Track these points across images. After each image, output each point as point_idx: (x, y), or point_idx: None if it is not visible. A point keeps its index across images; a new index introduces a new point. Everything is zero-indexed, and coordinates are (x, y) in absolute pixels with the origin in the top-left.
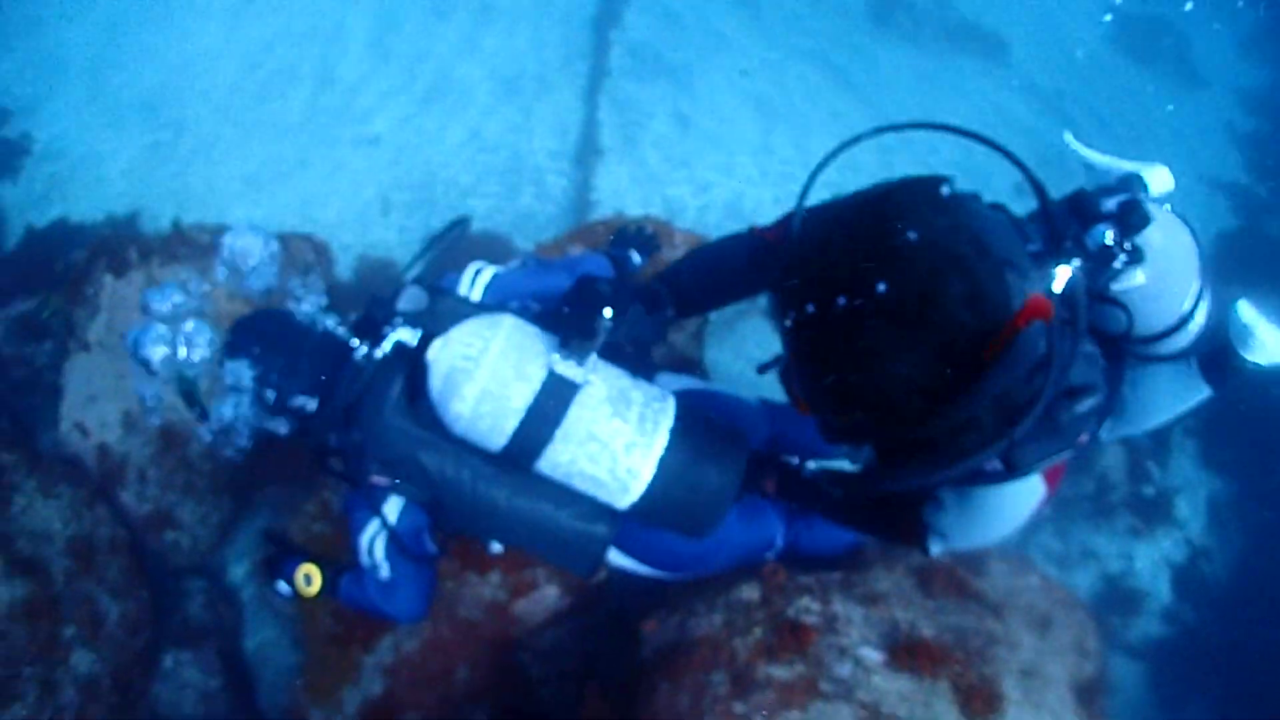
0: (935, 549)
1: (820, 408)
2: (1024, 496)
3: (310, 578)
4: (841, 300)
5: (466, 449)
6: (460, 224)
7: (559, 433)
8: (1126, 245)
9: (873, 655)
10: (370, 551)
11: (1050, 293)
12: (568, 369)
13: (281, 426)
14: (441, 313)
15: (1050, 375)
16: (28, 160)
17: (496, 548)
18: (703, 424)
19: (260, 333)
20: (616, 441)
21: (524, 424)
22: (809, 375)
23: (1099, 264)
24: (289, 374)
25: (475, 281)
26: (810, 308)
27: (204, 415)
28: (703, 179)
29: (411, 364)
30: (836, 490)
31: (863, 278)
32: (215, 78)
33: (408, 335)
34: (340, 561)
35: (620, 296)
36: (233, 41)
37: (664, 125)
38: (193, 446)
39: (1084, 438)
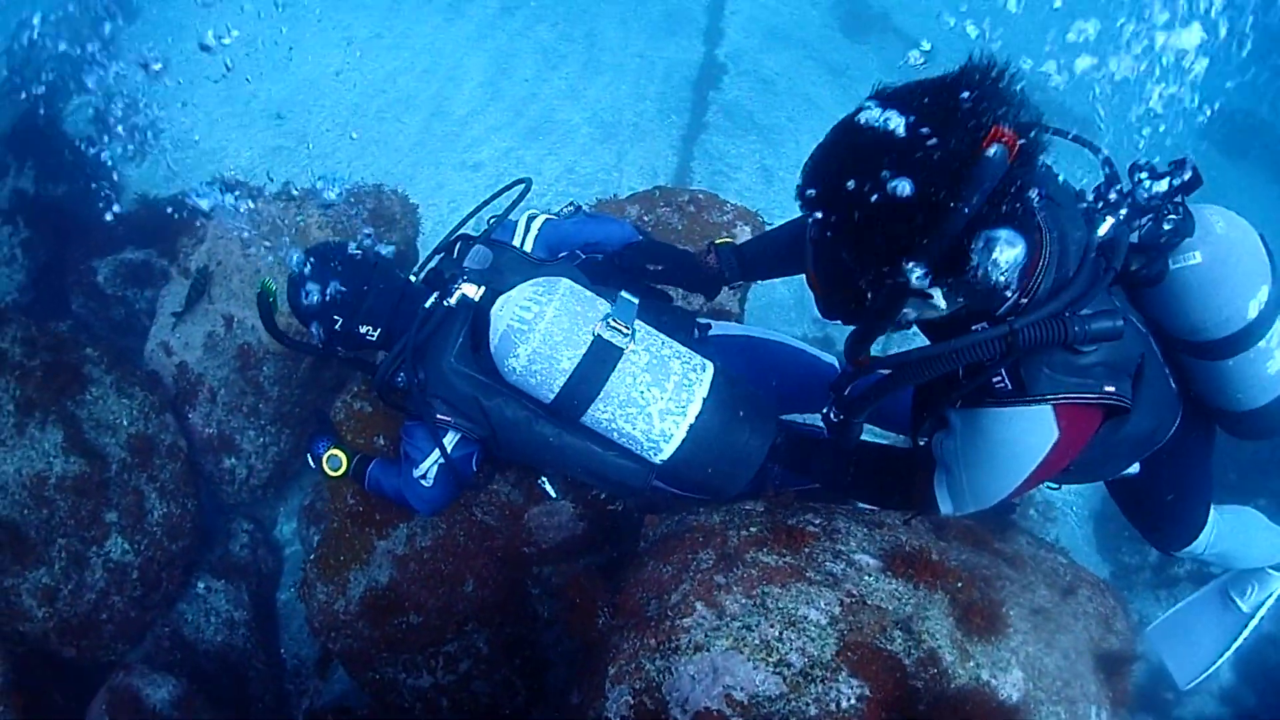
0: (945, 506)
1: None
2: (1032, 430)
3: (337, 460)
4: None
5: (522, 395)
6: (523, 183)
7: (600, 394)
8: (1178, 199)
9: (868, 560)
10: (425, 473)
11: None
12: (614, 336)
13: (346, 349)
14: (503, 267)
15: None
16: (154, 147)
17: (550, 491)
18: (737, 394)
19: (332, 261)
20: (652, 407)
21: (569, 384)
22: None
23: (1149, 216)
24: (355, 304)
25: (530, 229)
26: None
27: (278, 333)
28: None
29: (475, 316)
30: (857, 412)
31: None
32: (340, 98)
33: (473, 291)
34: (369, 451)
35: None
36: (360, 69)
37: (749, 177)
38: (265, 369)
39: (1110, 389)
